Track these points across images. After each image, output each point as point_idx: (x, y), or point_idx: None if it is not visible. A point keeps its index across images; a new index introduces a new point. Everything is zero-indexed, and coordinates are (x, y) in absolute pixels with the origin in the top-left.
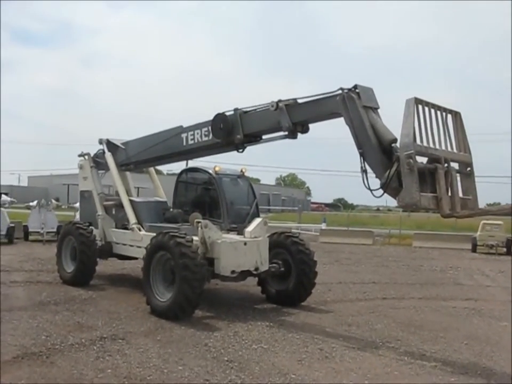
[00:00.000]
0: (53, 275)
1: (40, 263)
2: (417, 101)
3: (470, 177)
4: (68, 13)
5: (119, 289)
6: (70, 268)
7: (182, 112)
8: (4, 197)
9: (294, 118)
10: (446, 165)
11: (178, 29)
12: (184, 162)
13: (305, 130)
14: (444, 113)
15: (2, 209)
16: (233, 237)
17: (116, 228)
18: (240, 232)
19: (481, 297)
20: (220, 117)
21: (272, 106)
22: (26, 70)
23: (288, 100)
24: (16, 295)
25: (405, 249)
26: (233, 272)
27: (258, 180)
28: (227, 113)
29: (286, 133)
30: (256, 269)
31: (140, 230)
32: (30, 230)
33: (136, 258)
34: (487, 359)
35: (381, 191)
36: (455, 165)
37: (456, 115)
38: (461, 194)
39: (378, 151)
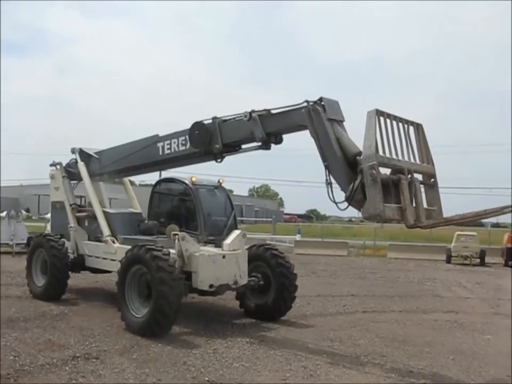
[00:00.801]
0: (23, 289)
1: (9, 276)
2: (379, 113)
3: (434, 188)
4: (43, 21)
5: (92, 303)
6: (40, 281)
7: (158, 120)
8: None
9: (267, 128)
10: (409, 176)
11: (154, 37)
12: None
13: (278, 141)
14: (405, 125)
15: None
16: (211, 249)
17: (89, 240)
18: (218, 244)
19: (462, 309)
20: (197, 126)
21: (246, 116)
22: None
23: (262, 110)
24: None
25: (380, 260)
26: (211, 286)
27: (231, 191)
28: (205, 122)
29: (260, 143)
30: (235, 283)
31: (114, 242)
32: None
33: (110, 272)
34: (476, 375)
35: (346, 203)
36: (418, 176)
37: (418, 127)
38: (425, 205)
39: (343, 164)
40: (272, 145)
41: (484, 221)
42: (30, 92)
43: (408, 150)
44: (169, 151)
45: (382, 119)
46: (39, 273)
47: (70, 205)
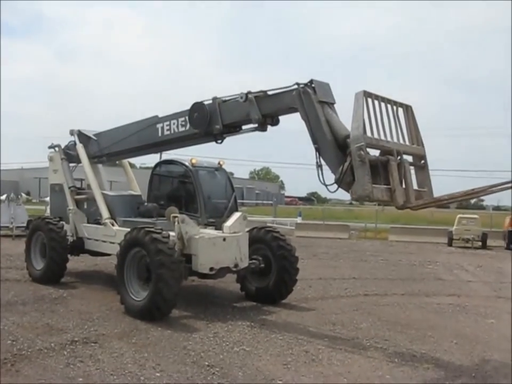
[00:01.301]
0: (22, 272)
1: (8, 259)
2: (367, 94)
3: (424, 170)
4: (43, 5)
5: (91, 287)
6: (39, 265)
7: (158, 104)
8: None
9: (262, 110)
10: (398, 157)
11: (154, 22)
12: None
13: (275, 122)
14: (394, 107)
15: None
16: (211, 232)
17: (88, 223)
18: (218, 227)
19: (464, 292)
20: (197, 106)
21: (242, 97)
22: None
23: (258, 92)
24: None
25: (382, 243)
26: (211, 269)
27: (232, 174)
28: (205, 102)
29: (256, 125)
30: (236, 266)
31: (113, 225)
32: None
33: (109, 255)
34: (479, 360)
35: (336, 186)
36: (409, 158)
37: (408, 108)
38: (416, 187)
39: (334, 147)
40: (269, 126)
41: (485, 203)
42: (29, 75)
43: (397, 132)
44: (168, 132)
45: (370, 100)
46: (38, 257)
47: (69, 188)
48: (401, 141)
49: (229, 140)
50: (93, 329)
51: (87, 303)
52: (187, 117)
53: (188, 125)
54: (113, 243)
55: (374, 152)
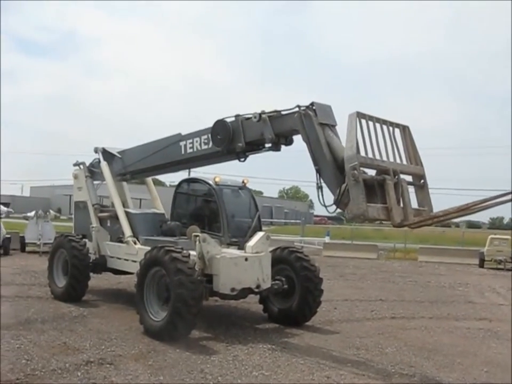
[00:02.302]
0: (45, 289)
1: (33, 276)
2: (360, 115)
3: (424, 189)
4: (71, 22)
5: (112, 306)
6: (61, 282)
7: (183, 120)
8: (1, 207)
9: (275, 129)
10: (396, 176)
11: (179, 38)
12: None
13: (289, 142)
14: (390, 127)
15: None
16: (233, 251)
17: (111, 240)
18: (241, 246)
19: (495, 317)
20: (219, 124)
21: (255, 117)
22: (28, 79)
23: (272, 111)
24: (1, 312)
25: (411, 264)
26: (233, 289)
27: (261, 193)
28: (228, 120)
29: (270, 144)
30: (258, 286)
31: (135, 243)
32: (27, 241)
33: (131, 273)
34: None
35: (334, 206)
36: (408, 178)
37: (405, 129)
38: (417, 206)
39: (333, 168)
40: (283, 146)
41: None
42: (56, 93)
43: (394, 152)
44: (191, 150)
45: (363, 121)
46: (60, 274)
47: (93, 205)
48: (398, 161)
49: (259, 159)
50: (109, 349)
51: (107, 322)
52: (209, 135)
53: (211, 143)
54: (135, 261)
55: (371, 172)
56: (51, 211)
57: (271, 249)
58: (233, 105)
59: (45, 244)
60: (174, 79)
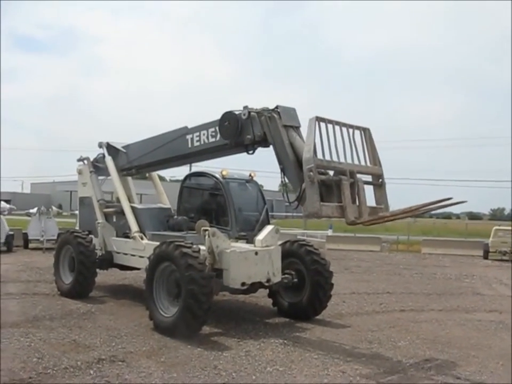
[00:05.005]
0: (51, 286)
1: (38, 272)
2: (319, 119)
3: (381, 188)
4: (71, 20)
5: (120, 301)
6: (68, 279)
7: (184, 118)
8: (3, 204)
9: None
10: (352, 177)
11: (180, 36)
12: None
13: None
14: (349, 130)
15: (1, 216)
16: (243, 246)
17: (117, 236)
18: (250, 240)
19: (505, 308)
20: (227, 116)
21: (244, 115)
22: (28, 77)
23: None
24: (9, 309)
25: (415, 256)
26: (243, 284)
27: (262, 186)
28: (236, 112)
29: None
30: (268, 281)
31: (142, 238)
32: (30, 237)
33: (138, 269)
34: None
35: (297, 203)
36: (368, 177)
37: (365, 131)
38: (374, 204)
39: (296, 167)
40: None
41: None
42: (55, 91)
43: (352, 153)
44: (198, 143)
45: (323, 124)
46: (67, 270)
47: (98, 201)
48: (356, 162)
49: (258, 152)
50: (120, 346)
51: (115, 318)
52: (217, 127)
53: (218, 136)
54: (142, 257)
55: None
56: (53, 207)
57: (279, 243)
58: (232, 105)
59: (48, 240)
60: (174, 79)
